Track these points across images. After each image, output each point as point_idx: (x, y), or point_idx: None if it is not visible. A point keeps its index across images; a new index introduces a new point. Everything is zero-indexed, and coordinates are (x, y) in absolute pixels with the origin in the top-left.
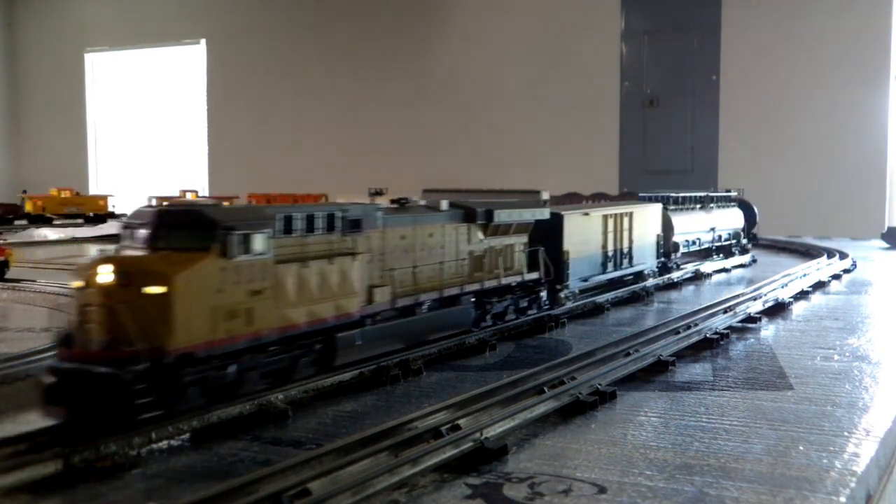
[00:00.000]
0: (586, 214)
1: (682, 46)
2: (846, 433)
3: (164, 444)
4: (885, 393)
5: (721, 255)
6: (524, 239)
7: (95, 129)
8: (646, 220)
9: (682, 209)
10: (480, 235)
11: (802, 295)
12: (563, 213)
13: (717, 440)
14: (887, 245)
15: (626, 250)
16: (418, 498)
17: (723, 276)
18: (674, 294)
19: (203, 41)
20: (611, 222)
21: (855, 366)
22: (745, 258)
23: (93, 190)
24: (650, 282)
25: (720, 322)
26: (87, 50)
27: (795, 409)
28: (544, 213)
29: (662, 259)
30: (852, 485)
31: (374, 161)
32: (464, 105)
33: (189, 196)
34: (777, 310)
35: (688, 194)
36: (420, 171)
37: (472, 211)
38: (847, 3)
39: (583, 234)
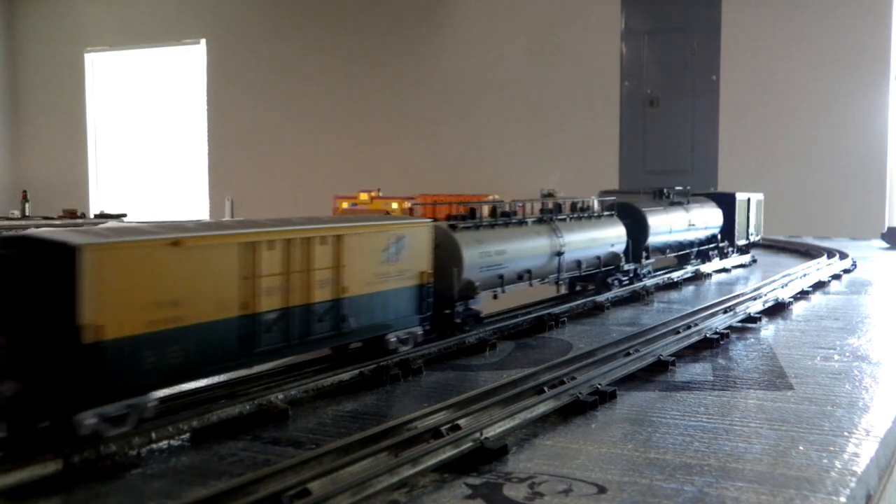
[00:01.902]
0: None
1: (682, 46)
2: (846, 433)
3: (164, 444)
4: (885, 393)
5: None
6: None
7: (95, 129)
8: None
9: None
10: None
11: (802, 295)
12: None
13: (717, 440)
14: (887, 245)
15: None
16: (418, 498)
17: (723, 276)
18: (674, 294)
19: (203, 41)
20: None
21: (855, 366)
22: (745, 258)
23: (93, 190)
24: (650, 281)
25: (720, 322)
26: (87, 50)
27: (795, 408)
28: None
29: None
30: (852, 485)
31: (376, 161)
32: (464, 104)
33: (366, 196)
34: (777, 310)
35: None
36: (420, 170)
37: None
38: (847, 2)
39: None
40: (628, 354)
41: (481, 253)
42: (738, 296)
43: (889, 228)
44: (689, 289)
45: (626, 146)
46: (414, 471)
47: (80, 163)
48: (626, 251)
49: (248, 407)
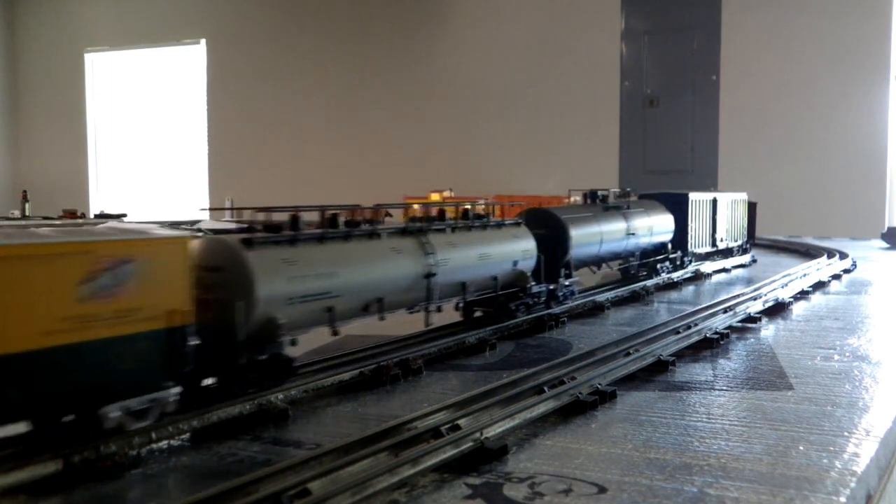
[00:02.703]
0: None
1: (682, 46)
2: (846, 433)
3: (164, 444)
4: (885, 393)
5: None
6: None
7: (95, 129)
8: None
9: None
10: None
11: (802, 295)
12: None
13: (717, 440)
14: (887, 245)
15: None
16: (418, 498)
17: (723, 276)
18: (674, 294)
19: (203, 41)
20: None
21: (855, 366)
22: (745, 258)
23: (93, 190)
24: (650, 281)
25: (720, 322)
26: (87, 50)
27: (795, 409)
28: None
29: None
30: (852, 485)
31: (376, 161)
32: (463, 105)
33: (438, 196)
34: (777, 310)
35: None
36: (420, 171)
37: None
38: (847, 3)
39: None
40: (628, 354)
41: (293, 278)
42: (737, 296)
43: (889, 228)
44: (689, 289)
45: (626, 146)
46: (414, 471)
47: (80, 163)
48: (536, 269)
49: (248, 407)
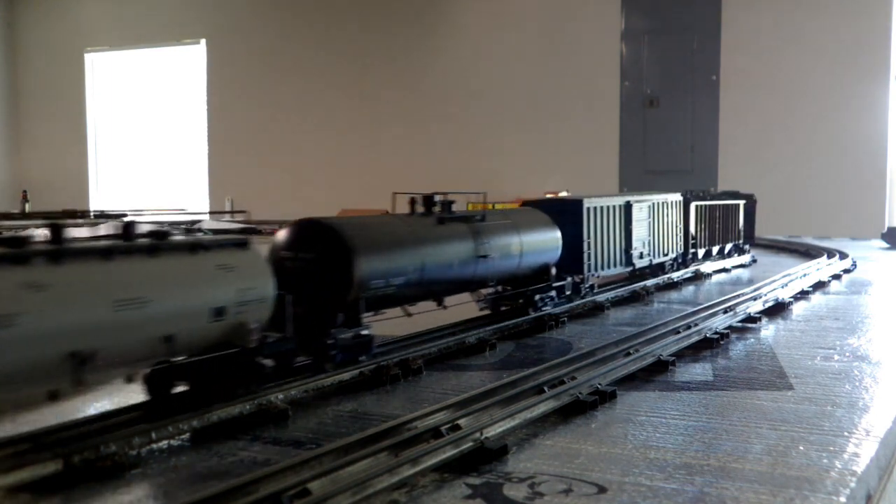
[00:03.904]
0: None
1: (682, 46)
2: (846, 433)
3: (164, 444)
4: (885, 393)
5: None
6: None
7: (95, 128)
8: None
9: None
10: None
11: (802, 295)
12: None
13: (717, 440)
14: (887, 245)
15: None
16: (418, 498)
17: (723, 276)
18: (674, 294)
19: (203, 41)
20: None
21: (855, 366)
22: (745, 258)
23: (93, 190)
24: (650, 281)
25: (720, 322)
26: (87, 50)
27: (795, 409)
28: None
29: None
30: (852, 485)
31: (376, 162)
32: (464, 105)
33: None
34: (777, 310)
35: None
36: (421, 171)
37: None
38: (847, 2)
39: None
40: (628, 354)
41: None
42: (737, 296)
43: (889, 228)
44: (689, 289)
45: (626, 146)
46: (414, 471)
47: (81, 162)
48: (272, 316)
49: (248, 407)
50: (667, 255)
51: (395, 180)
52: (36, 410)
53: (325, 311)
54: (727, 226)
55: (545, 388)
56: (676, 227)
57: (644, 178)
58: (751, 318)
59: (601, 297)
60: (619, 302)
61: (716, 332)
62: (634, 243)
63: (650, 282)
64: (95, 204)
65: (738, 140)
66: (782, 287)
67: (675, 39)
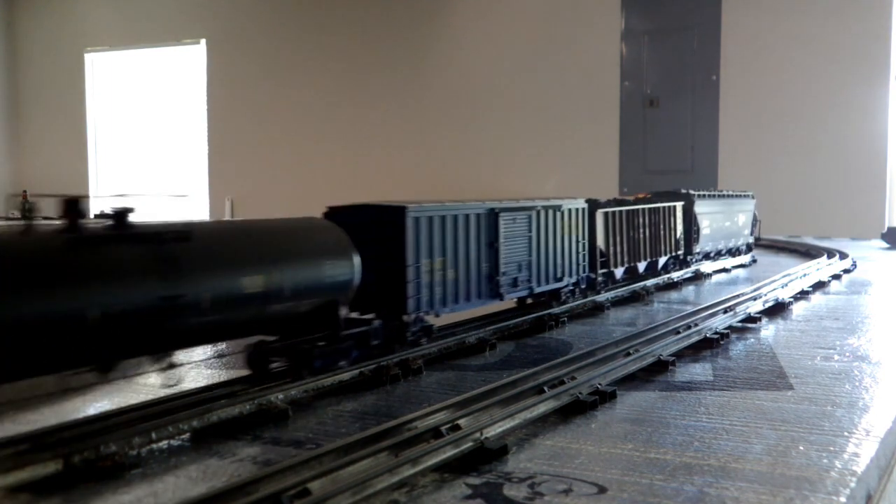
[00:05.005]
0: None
1: (682, 46)
2: (846, 433)
3: (164, 444)
4: (885, 393)
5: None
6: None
7: (96, 129)
8: None
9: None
10: None
11: (802, 295)
12: None
13: (717, 440)
14: (887, 245)
15: None
16: (418, 498)
17: (723, 276)
18: (674, 294)
19: (203, 41)
20: None
21: (855, 366)
22: (745, 258)
23: (93, 190)
24: (650, 281)
25: (720, 322)
26: (87, 50)
27: (795, 408)
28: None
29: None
30: (852, 485)
31: (376, 162)
32: (463, 105)
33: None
34: (777, 310)
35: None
36: (420, 171)
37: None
38: (847, 2)
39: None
40: (628, 354)
41: None
42: (737, 296)
43: (889, 228)
44: (689, 289)
45: (626, 146)
46: (414, 471)
47: (81, 163)
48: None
49: (248, 407)
50: (560, 279)
51: (396, 180)
52: (36, 410)
53: None
54: (658, 235)
55: (545, 388)
56: (577, 242)
57: (644, 178)
58: (751, 318)
59: (601, 298)
60: (619, 302)
61: (716, 332)
62: (504, 267)
63: (650, 282)
64: (95, 204)
65: (738, 140)
66: (782, 287)
67: (675, 39)
